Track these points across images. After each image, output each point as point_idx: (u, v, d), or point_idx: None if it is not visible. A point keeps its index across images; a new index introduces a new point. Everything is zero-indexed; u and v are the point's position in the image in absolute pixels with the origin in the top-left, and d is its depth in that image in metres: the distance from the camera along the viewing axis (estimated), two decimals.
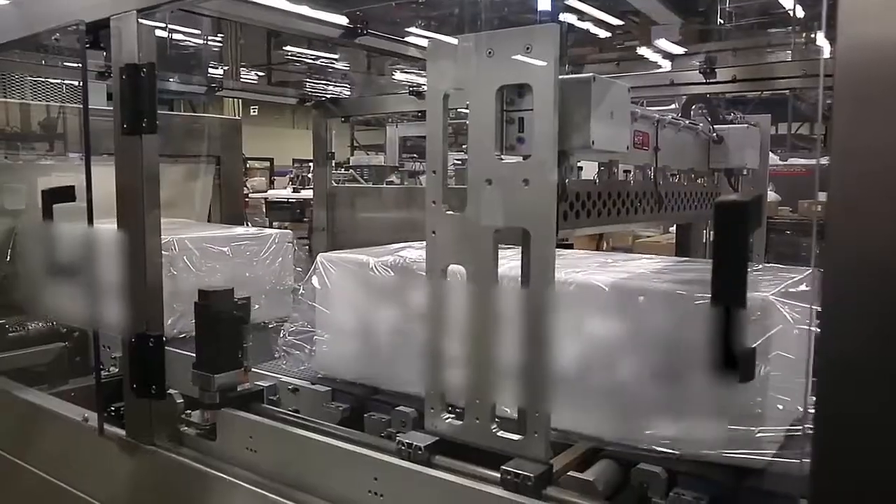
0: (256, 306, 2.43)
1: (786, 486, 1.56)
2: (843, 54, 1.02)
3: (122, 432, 2.28)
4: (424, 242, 2.56)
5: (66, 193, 2.43)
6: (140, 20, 2.04)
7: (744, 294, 1.17)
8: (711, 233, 2.83)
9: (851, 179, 1.03)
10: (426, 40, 3.82)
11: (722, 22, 11.96)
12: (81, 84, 2.28)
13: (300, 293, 2.57)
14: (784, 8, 11.08)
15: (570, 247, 3.92)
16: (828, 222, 1.04)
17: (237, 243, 3.24)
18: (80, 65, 2.26)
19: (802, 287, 1.86)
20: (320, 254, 2.52)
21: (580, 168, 1.81)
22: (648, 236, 8.06)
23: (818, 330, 1.09)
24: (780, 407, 1.70)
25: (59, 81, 5.53)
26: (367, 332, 2.23)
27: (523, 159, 1.60)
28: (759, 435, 1.65)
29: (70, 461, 2.52)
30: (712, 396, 1.64)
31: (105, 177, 2.22)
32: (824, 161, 1.24)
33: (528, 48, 1.54)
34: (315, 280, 2.42)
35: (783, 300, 1.72)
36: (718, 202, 1.21)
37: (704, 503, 1.64)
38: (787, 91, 9.75)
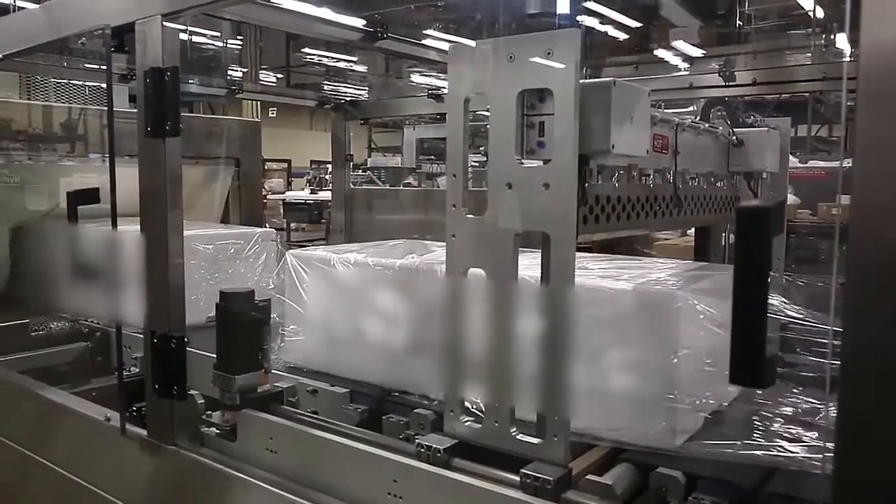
0: None
1: (807, 491, 1.55)
2: (867, 55, 1.01)
3: (144, 432, 2.30)
4: (392, 241, 2.74)
5: (91, 195, 2.46)
6: (164, 24, 2.06)
7: (765, 300, 1.17)
8: (731, 236, 2.83)
9: (875, 181, 1.02)
10: (444, 43, 3.82)
11: (741, 24, 11.88)
12: (106, 87, 2.31)
13: (269, 287, 2.76)
14: (804, 9, 11.00)
15: (589, 250, 3.90)
16: (851, 225, 1.04)
17: (221, 242, 3.34)
18: (105, 68, 2.29)
19: (707, 283, 1.98)
20: (289, 251, 2.67)
21: (600, 171, 1.81)
22: (666, 239, 8.03)
23: (839, 333, 1.09)
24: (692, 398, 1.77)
25: (80, 83, 5.60)
26: (330, 324, 2.37)
27: (544, 163, 1.61)
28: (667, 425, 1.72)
29: (92, 460, 2.55)
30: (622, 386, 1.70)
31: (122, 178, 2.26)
32: (846, 163, 1.23)
33: (548, 53, 1.55)
34: (284, 275, 2.56)
35: (691, 295, 1.82)
36: (740, 207, 1.20)
37: None
38: (806, 94, 9.68)
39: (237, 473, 2.05)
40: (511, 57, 1.60)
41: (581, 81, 1.54)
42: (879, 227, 1.02)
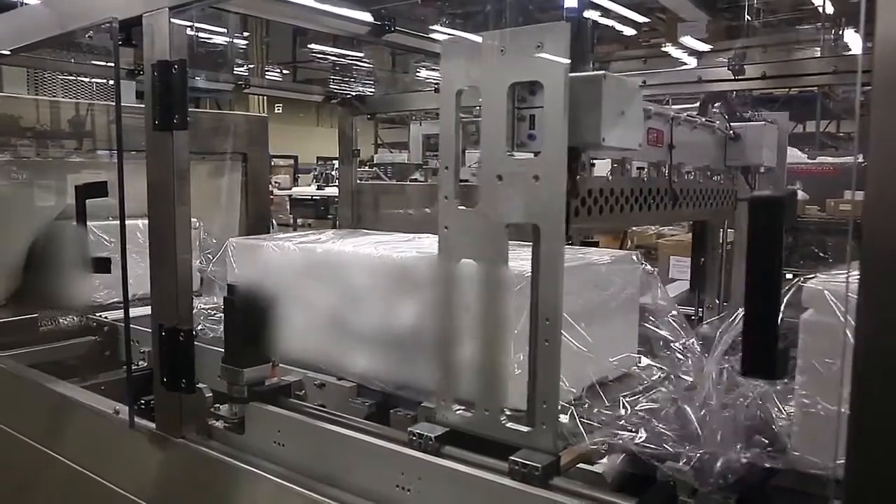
0: None
1: (818, 487, 1.54)
2: (882, 48, 1.00)
3: (152, 425, 2.31)
4: (342, 230, 2.93)
5: (99, 189, 2.46)
6: (171, 18, 2.06)
7: (778, 293, 1.16)
8: (729, 231, 2.84)
9: (889, 177, 1.01)
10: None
11: (749, 18, 11.83)
12: (114, 81, 2.31)
13: (209, 272, 3.03)
14: (813, 4, 10.95)
15: (595, 244, 3.89)
16: (864, 221, 1.03)
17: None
18: (113, 62, 2.29)
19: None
20: (230, 238, 2.83)
21: (593, 164, 1.81)
22: (672, 235, 8.01)
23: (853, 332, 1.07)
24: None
25: (88, 80, 5.61)
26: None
27: (534, 156, 1.62)
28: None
29: (101, 453, 2.56)
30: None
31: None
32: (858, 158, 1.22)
33: (539, 46, 1.56)
34: (226, 261, 2.73)
35: None
36: (754, 197, 1.19)
37: (732, 502, 1.62)
38: (814, 88, 9.64)
39: (245, 466, 2.06)
40: (503, 50, 1.61)
41: (572, 75, 1.55)
42: (893, 223, 1.01)
